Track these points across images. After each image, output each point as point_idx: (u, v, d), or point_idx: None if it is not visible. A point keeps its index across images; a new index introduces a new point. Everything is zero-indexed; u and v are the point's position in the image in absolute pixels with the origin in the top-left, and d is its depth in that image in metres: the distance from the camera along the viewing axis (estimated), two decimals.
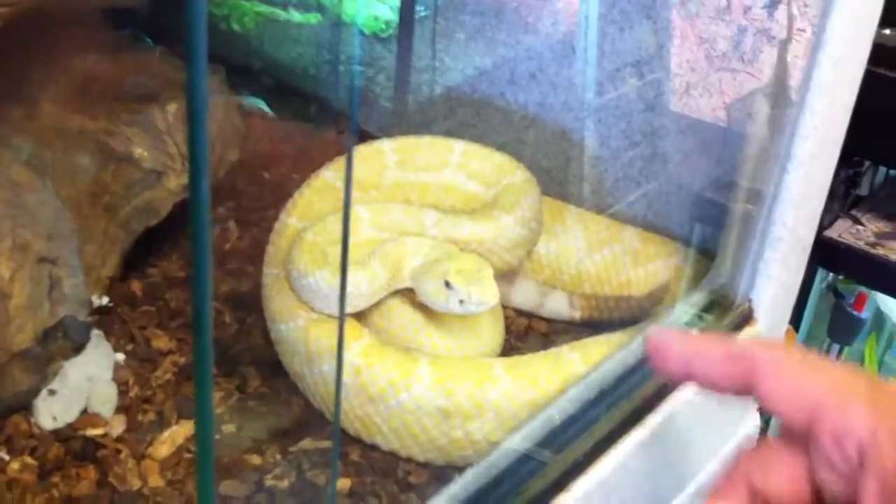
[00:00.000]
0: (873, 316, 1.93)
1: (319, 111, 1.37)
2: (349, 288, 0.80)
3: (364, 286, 0.81)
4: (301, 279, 0.81)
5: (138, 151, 0.92)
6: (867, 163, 1.69)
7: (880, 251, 1.65)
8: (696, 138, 1.14)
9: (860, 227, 1.71)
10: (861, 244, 1.67)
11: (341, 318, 0.69)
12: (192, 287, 0.35)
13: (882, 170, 1.79)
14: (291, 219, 0.90)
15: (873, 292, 1.83)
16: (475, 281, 0.79)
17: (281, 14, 1.45)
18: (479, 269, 0.80)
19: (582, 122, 1.14)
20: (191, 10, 0.31)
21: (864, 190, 1.77)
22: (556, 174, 1.14)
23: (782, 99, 0.89)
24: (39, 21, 0.85)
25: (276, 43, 1.46)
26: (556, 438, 0.72)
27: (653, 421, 0.76)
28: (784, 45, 0.95)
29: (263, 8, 1.43)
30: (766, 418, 1.82)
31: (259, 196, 1.12)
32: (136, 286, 0.93)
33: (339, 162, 0.96)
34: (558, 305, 0.97)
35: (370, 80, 1.47)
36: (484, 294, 0.78)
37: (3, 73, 0.90)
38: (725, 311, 0.87)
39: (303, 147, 1.21)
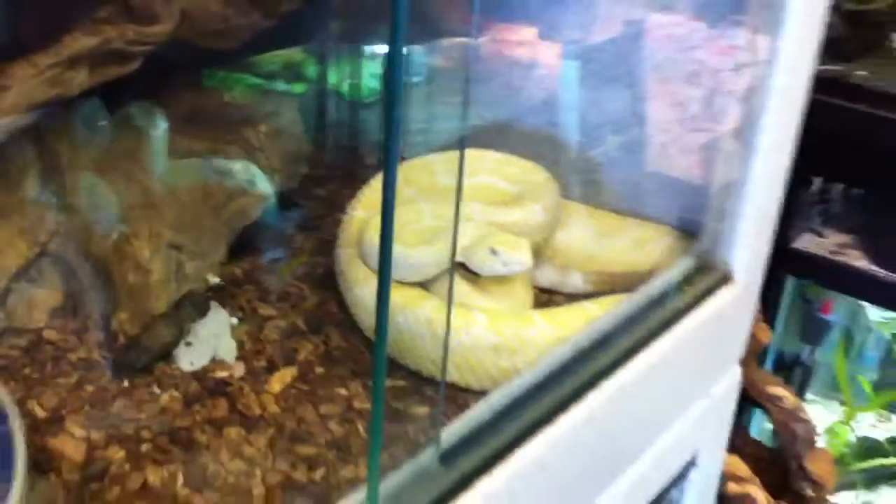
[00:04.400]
0: (842, 328, 2.17)
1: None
2: (422, 259, 1.03)
3: (431, 258, 1.04)
4: (375, 252, 1.04)
5: (236, 166, 1.15)
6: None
7: (841, 258, 1.90)
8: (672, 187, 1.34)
9: (823, 240, 1.96)
10: (824, 253, 1.92)
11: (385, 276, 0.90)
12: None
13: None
14: (357, 211, 1.14)
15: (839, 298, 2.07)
16: (515, 248, 1.02)
17: (267, 84, 1.58)
18: (516, 240, 1.03)
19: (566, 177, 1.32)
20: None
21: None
22: None
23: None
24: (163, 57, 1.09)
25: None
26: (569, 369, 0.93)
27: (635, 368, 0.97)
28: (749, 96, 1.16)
29: (252, 80, 1.56)
30: (752, 409, 2.02)
31: (317, 207, 1.35)
32: (237, 271, 1.15)
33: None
34: (575, 282, 1.20)
35: (356, 140, 1.66)
36: (522, 255, 1.01)
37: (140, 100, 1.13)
38: (708, 272, 1.11)
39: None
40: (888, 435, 2.36)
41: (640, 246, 1.21)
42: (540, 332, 1.00)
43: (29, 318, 1.01)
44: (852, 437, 2.27)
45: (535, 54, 1.55)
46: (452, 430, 0.80)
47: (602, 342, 0.97)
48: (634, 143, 1.40)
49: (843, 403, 2.25)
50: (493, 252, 1.02)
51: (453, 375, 1.01)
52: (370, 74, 1.71)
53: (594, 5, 1.44)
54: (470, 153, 1.20)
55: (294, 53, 1.62)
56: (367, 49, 1.72)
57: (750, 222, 1.09)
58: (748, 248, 1.11)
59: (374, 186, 1.16)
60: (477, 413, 0.83)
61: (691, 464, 1.20)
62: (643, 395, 0.99)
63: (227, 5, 1.08)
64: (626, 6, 1.47)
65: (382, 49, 1.61)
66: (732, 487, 1.78)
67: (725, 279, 1.11)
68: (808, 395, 2.23)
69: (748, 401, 1.92)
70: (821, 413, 2.41)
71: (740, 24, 1.24)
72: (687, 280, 1.09)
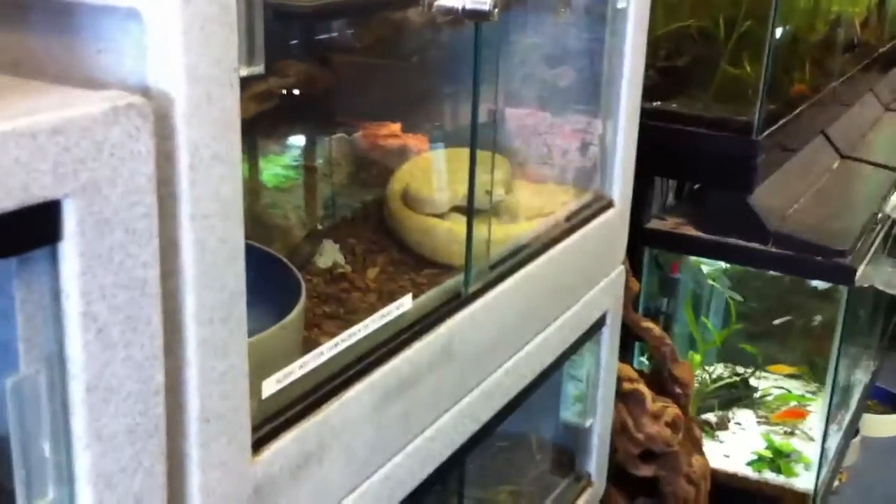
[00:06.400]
0: (684, 285, 3.05)
1: None
2: (441, 198, 1.82)
3: (445, 199, 1.83)
4: (417, 195, 1.83)
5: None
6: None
7: (679, 230, 2.79)
8: None
9: (665, 220, 2.85)
10: (667, 228, 2.81)
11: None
12: None
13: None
14: (395, 182, 1.92)
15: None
16: (496, 189, 1.83)
17: None
18: (495, 187, 1.85)
19: None
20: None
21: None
22: None
23: None
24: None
25: None
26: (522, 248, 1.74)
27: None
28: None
29: None
30: (634, 348, 2.86)
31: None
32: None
33: (409, 163, 1.99)
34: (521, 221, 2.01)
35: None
36: (501, 191, 1.82)
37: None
38: (599, 201, 1.94)
39: None
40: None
41: (560, 198, 2.04)
42: (507, 232, 1.81)
43: None
44: (705, 376, 3.14)
45: (404, 142, 2.14)
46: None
47: (539, 236, 1.79)
48: None
49: (693, 342, 3.12)
50: (487, 192, 1.83)
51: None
52: (283, 165, 2.18)
53: (449, 101, 2.06)
54: (458, 150, 2.01)
55: None
56: (278, 146, 2.16)
57: (616, 167, 1.94)
58: (619, 183, 1.95)
59: (402, 169, 1.96)
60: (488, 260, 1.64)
61: (602, 322, 2.01)
62: (567, 263, 1.81)
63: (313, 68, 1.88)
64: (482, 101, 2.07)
65: (295, 142, 2.13)
66: (626, 386, 2.60)
67: (609, 204, 1.95)
68: None
69: (630, 335, 2.77)
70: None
71: (581, 112, 2.00)
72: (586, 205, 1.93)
